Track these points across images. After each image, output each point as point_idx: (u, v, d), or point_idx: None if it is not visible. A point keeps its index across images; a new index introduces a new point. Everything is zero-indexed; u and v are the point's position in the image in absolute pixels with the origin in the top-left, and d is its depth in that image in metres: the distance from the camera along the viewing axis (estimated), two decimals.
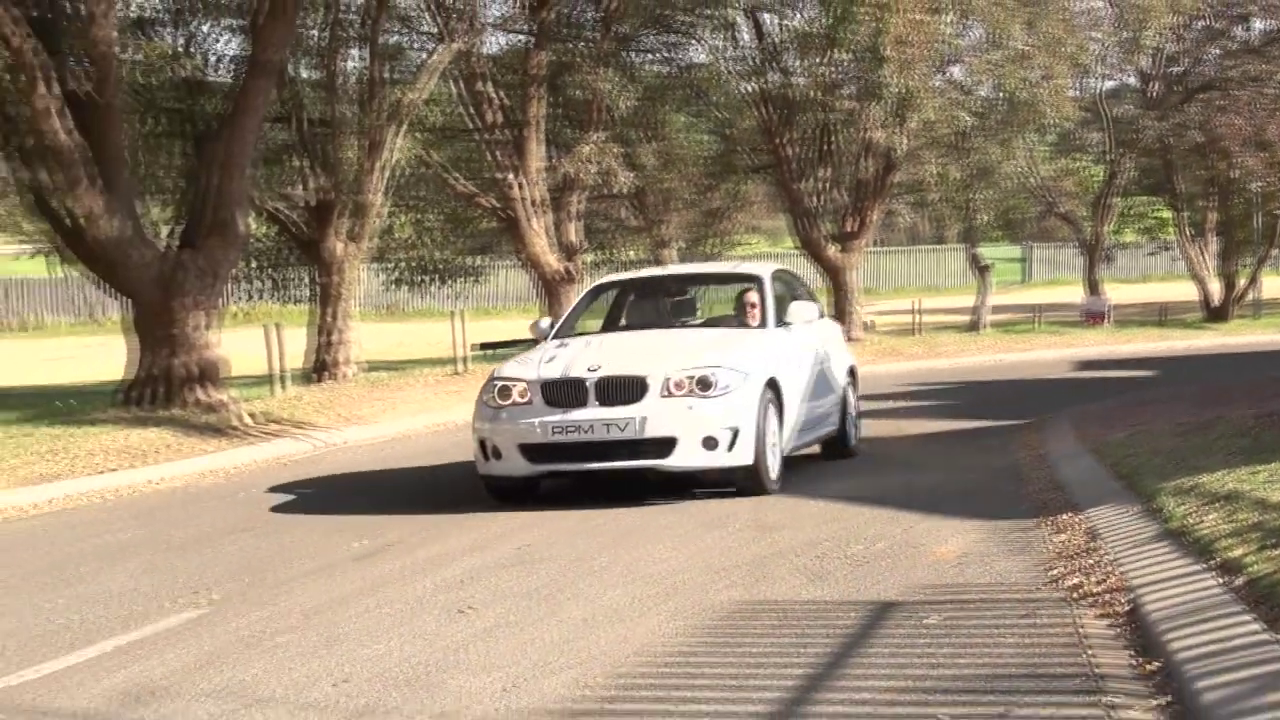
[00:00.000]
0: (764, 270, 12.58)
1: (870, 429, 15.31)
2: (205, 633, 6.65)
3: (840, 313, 32.38)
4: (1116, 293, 41.79)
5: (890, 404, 18.95)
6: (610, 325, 12.67)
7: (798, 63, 29.49)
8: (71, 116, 16.00)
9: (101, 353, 29.25)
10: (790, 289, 12.86)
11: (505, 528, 9.39)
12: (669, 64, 29.92)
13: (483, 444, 10.66)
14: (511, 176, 24.52)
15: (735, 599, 6.81)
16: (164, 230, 20.51)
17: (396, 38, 24.57)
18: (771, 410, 10.63)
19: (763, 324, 11.73)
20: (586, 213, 28.16)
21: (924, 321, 35.99)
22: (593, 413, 10.28)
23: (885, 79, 26.21)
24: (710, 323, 12.49)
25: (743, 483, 10.42)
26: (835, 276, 32.49)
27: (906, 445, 14.14)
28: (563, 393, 10.42)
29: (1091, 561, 7.04)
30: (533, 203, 24.80)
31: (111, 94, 16.84)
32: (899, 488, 10.46)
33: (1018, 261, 61.53)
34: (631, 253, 33.15)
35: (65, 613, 7.28)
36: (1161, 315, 39.52)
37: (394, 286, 35.37)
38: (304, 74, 23.05)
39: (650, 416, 10.20)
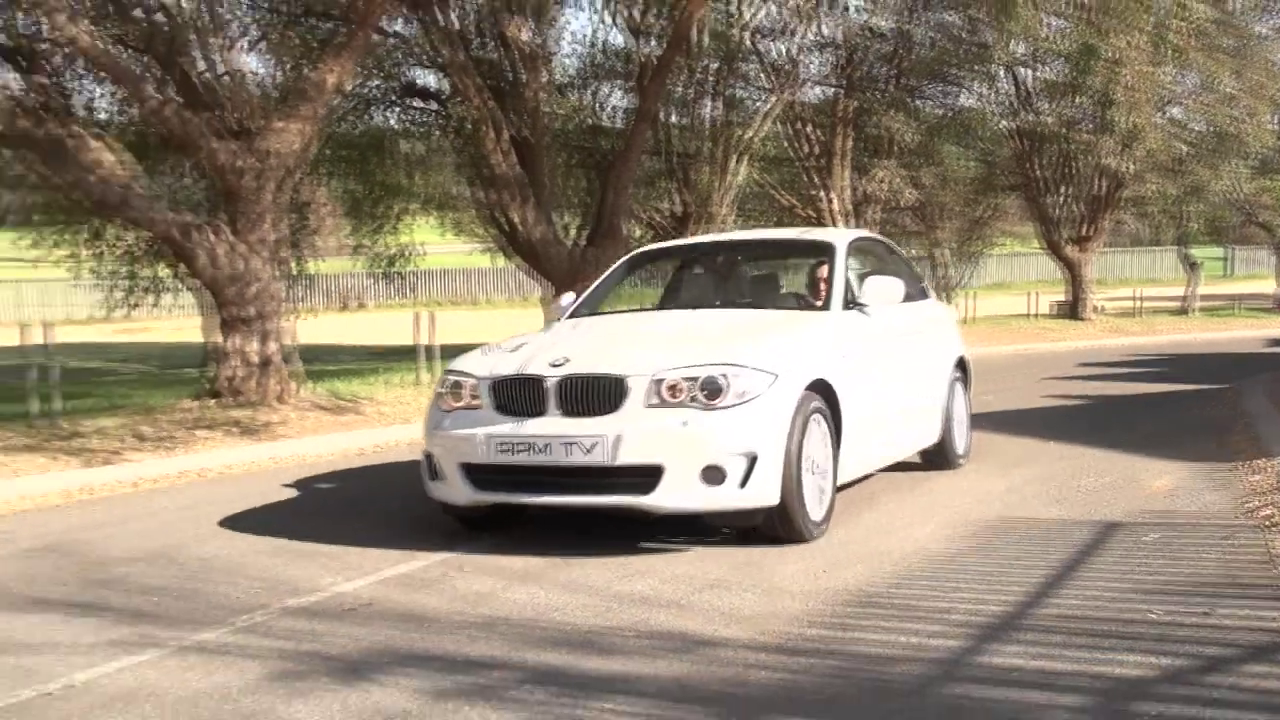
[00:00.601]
0: (840, 238, 7.54)
1: (1099, 389, 14.60)
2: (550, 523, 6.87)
3: (1076, 300, 31.18)
4: None
5: (1114, 370, 17.98)
6: (664, 307, 7.78)
7: (1046, 105, 28.30)
8: (514, 153, 16.78)
9: (524, 322, 30.45)
10: (882, 263, 8.18)
11: None
12: (944, 107, 28.98)
13: (428, 458, 6.22)
14: (822, 193, 24.36)
15: (990, 515, 6.65)
16: (572, 233, 21.33)
17: (739, 91, 24.59)
18: (816, 424, 6.00)
19: (826, 305, 7.02)
20: (880, 220, 27.66)
21: (1143, 306, 34.16)
22: (550, 425, 5.71)
23: (1116, 118, 24.82)
24: (760, 303, 7.32)
25: (766, 527, 5.84)
26: (1073, 271, 31.47)
27: (1127, 402, 13.40)
28: (516, 395, 5.87)
29: None
30: (839, 213, 24.60)
31: (540, 137, 17.53)
32: (1120, 435, 9.90)
33: (1221, 260, 57.15)
34: (913, 251, 32.45)
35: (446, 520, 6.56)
36: None
37: None
38: (672, 119, 23.38)
39: (626, 434, 5.55)
